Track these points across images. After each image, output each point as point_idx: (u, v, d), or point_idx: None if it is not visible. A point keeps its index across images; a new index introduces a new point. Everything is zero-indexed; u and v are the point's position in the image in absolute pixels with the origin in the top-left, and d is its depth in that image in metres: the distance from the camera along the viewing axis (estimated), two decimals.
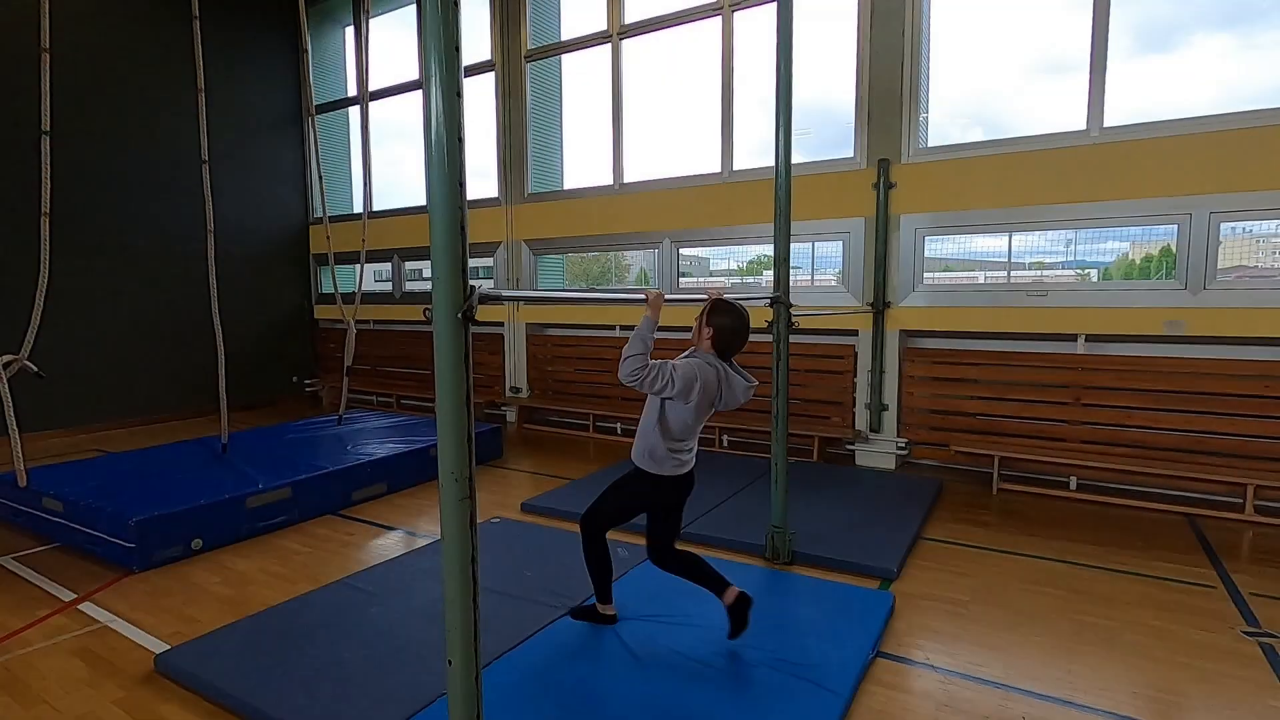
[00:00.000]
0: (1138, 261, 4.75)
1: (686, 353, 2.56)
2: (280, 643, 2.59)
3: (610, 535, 2.63)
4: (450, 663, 1.49)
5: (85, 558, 3.56)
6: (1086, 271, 4.88)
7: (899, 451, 5.24)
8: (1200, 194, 4.20)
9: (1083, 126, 4.55)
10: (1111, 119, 4.47)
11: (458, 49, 1.45)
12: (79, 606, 3.04)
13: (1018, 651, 2.59)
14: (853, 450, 5.40)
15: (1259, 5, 4.29)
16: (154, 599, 3.10)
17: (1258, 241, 4.44)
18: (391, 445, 5.03)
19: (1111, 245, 4.77)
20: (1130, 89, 4.45)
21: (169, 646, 2.62)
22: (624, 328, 6.51)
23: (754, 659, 2.43)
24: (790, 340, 3.35)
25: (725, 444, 5.87)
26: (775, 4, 3.25)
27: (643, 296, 2.35)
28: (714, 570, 2.60)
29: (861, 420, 5.37)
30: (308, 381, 8.77)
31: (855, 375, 5.40)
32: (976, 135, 5.03)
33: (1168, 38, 4.56)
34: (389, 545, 3.77)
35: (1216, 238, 4.23)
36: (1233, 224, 4.26)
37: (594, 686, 2.30)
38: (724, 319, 2.49)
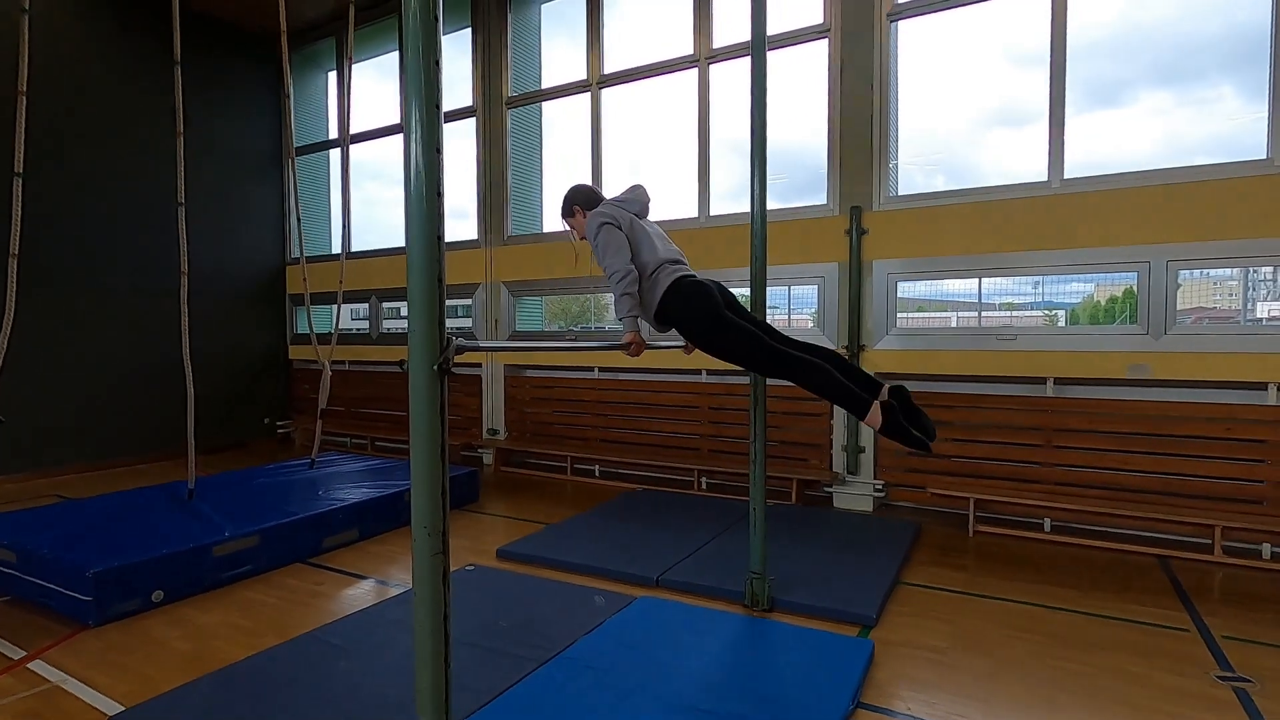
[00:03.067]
0: (1102, 303, 4.89)
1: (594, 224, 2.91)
2: (243, 702, 2.48)
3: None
4: None
5: (39, 612, 3.40)
6: (1054, 312, 5.01)
7: (876, 494, 5.26)
8: (1158, 243, 4.37)
9: (1044, 177, 4.73)
10: (1069, 170, 4.67)
11: (438, 106, 1.48)
12: (29, 665, 2.89)
13: (998, 701, 2.57)
14: (830, 492, 5.41)
15: (1195, 65, 4.56)
16: (110, 656, 2.97)
17: (1214, 285, 4.61)
18: (365, 490, 4.92)
19: (1077, 287, 4.92)
20: (1081, 141, 4.67)
21: (124, 708, 2.50)
22: (603, 369, 6.51)
23: (734, 712, 2.39)
24: (768, 382, 3.38)
25: (704, 486, 5.85)
26: (749, 58, 3.37)
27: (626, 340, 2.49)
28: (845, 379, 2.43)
29: (839, 462, 5.39)
30: (280, 423, 8.61)
31: (832, 417, 5.44)
32: (939, 182, 5.21)
33: (1115, 94, 4.80)
34: (360, 595, 3.66)
35: (1175, 285, 4.39)
36: (1189, 270, 4.43)
37: None
38: (579, 193, 3.12)
